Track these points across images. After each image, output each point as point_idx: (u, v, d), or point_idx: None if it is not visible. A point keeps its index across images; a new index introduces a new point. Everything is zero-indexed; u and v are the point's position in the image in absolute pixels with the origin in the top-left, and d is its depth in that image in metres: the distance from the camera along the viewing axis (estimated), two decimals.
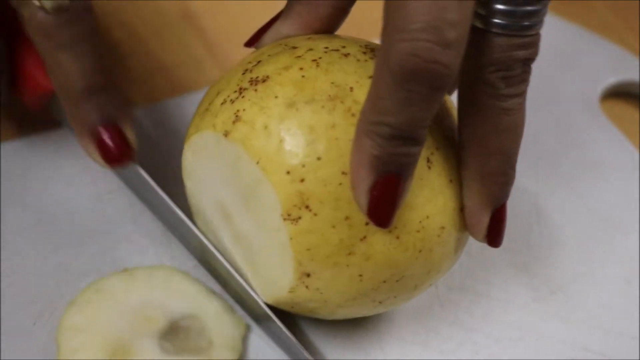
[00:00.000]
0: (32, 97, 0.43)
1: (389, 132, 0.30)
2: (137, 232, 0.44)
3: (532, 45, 0.32)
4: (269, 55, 0.35)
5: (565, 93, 0.54)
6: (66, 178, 0.46)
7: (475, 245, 0.44)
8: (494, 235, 0.36)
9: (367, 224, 0.33)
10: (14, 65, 0.42)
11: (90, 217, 0.44)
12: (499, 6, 0.31)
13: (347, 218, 0.33)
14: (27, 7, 0.36)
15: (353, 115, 0.33)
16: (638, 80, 0.55)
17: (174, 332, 0.39)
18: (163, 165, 0.45)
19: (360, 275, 0.34)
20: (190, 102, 0.49)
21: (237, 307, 0.40)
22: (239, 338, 0.39)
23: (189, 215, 0.41)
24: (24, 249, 0.43)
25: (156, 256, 0.43)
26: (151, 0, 0.57)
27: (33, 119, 0.48)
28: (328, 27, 0.37)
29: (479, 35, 0.32)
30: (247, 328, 0.40)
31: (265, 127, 0.33)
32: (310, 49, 0.35)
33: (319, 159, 0.33)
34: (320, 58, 0.34)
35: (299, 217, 0.33)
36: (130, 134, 0.40)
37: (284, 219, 0.33)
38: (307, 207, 0.33)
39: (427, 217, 0.34)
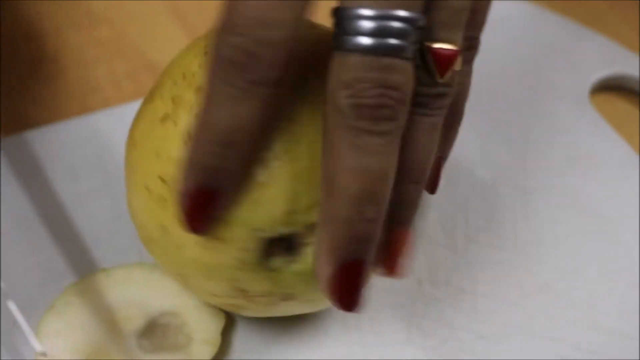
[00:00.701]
0: None
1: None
2: (118, 231, 0.44)
3: (394, 70, 0.28)
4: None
5: (555, 87, 0.53)
6: (47, 178, 0.46)
7: (460, 242, 0.44)
8: (338, 296, 0.30)
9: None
10: None
11: (71, 216, 0.44)
12: (359, 22, 0.27)
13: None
14: None
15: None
16: (629, 73, 0.54)
17: (152, 330, 0.38)
18: None
19: None
20: None
21: None
22: (218, 332, 0.39)
23: None
24: (3, 250, 0.42)
25: (138, 255, 0.43)
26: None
27: (13, 119, 0.48)
28: None
29: (336, 55, 0.28)
30: (228, 321, 0.40)
31: None
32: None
33: None
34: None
35: None
36: None
37: None
38: None
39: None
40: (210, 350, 0.38)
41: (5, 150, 0.47)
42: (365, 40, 0.27)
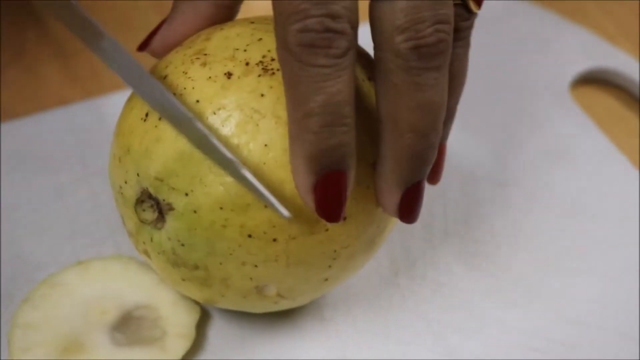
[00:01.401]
0: None
1: (315, 122, 0.30)
2: (96, 223, 0.44)
3: (443, 5, 0.30)
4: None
5: (535, 80, 0.53)
6: (27, 168, 0.46)
7: (438, 235, 0.44)
8: (406, 213, 0.33)
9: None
10: None
11: (50, 207, 0.44)
12: None
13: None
14: None
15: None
16: (610, 67, 0.54)
17: (127, 324, 0.38)
18: None
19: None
20: None
21: None
22: (193, 325, 0.39)
23: None
24: None
25: (115, 247, 0.43)
26: None
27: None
28: (214, 24, 0.37)
29: (379, 5, 0.30)
30: (203, 314, 0.40)
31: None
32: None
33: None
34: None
35: None
36: None
37: None
38: None
39: None
40: (184, 344, 0.38)
41: None
42: None
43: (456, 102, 0.35)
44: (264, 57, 0.34)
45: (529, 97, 0.52)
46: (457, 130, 0.49)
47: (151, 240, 0.35)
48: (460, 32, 0.33)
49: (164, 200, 0.34)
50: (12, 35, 0.54)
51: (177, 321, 0.39)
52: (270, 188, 0.32)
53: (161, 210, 0.34)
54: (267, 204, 0.32)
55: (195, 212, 0.33)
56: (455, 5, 0.32)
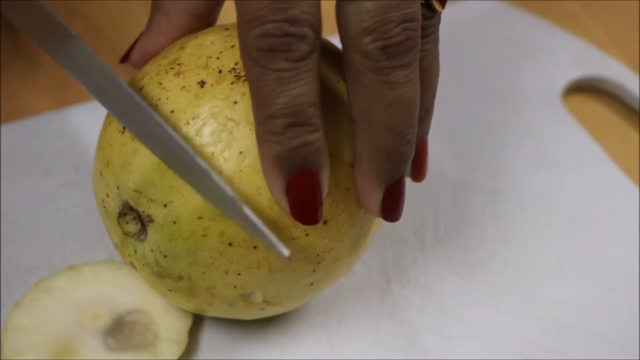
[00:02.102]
0: None
1: (279, 124, 0.30)
2: (88, 226, 0.44)
3: (409, 5, 0.30)
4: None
5: (527, 87, 0.53)
6: (18, 171, 0.46)
7: (429, 242, 0.44)
8: (389, 212, 0.34)
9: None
10: None
11: (42, 211, 0.44)
12: None
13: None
14: None
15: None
16: (601, 75, 0.54)
17: (119, 329, 0.38)
18: None
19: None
20: None
21: None
22: (185, 331, 0.39)
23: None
24: None
25: (106, 251, 0.43)
26: None
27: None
28: (189, 33, 0.37)
29: (345, 5, 0.30)
30: (195, 319, 0.40)
31: None
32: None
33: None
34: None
35: None
36: None
37: None
38: None
39: None
40: (177, 349, 0.38)
41: None
42: None
43: (432, 97, 0.35)
44: (236, 64, 0.34)
45: (521, 104, 0.52)
46: (448, 137, 0.49)
47: (135, 252, 0.35)
48: (427, 29, 0.33)
49: (144, 212, 0.34)
50: (8, 37, 0.54)
51: (170, 326, 0.39)
52: (247, 196, 0.32)
53: (143, 223, 0.34)
54: (267, 244, 0.32)
55: (174, 222, 0.33)
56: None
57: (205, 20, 0.37)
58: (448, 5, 0.55)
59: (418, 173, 0.38)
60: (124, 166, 0.34)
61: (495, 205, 0.47)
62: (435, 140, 0.47)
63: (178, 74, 0.34)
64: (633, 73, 0.54)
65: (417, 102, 0.32)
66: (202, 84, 0.33)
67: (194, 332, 0.39)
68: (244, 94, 0.33)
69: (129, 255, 0.36)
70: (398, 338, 0.40)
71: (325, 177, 0.32)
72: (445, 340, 0.41)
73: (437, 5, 0.33)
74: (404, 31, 0.30)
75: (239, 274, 0.34)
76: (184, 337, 0.39)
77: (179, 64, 0.34)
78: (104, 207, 0.36)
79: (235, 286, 0.34)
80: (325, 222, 0.34)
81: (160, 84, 0.34)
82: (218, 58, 0.34)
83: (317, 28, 0.30)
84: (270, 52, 0.29)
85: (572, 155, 0.49)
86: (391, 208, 0.34)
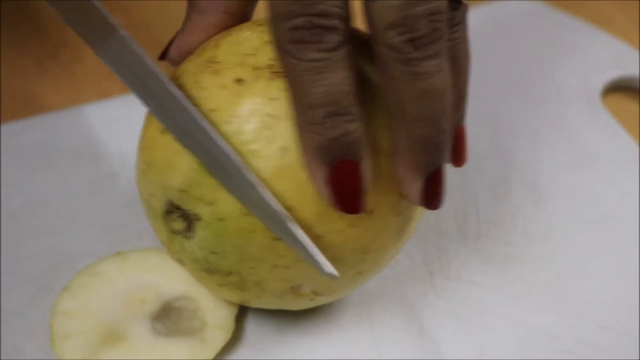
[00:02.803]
0: None
1: (319, 114, 0.30)
2: (133, 215, 0.44)
3: None
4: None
5: (565, 86, 0.54)
6: (65, 160, 0.46)
7: (471, 236, 0.45)
8: (430, 200, 0.34)
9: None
10: None
11: (86, 200, 0.45)
12: None
13: None
14: None
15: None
16: (639, 75, 0.55)
17: (167, 314, 0.39)
18: None
19: None
20: None
21: None
22: (232, 318, 0.39)
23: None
24: (19, 231, 0.43)
25: (152, 240, 0.43)
26: None
27: (32, 101, 0.48)
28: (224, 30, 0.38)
29: (374, 1, 0.30)
30: (240, 307, 0.40)
31: None
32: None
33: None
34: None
35: None
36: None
37: None
38: None
39: None
40: (224, 335, 0.38)
41: (23, 133, 0.47)
42: None
43: (465, 83, 0.35)
44: (272, 60, 0.34)
45: (560, 103, 0.53)
46: (488, 134, 0.50)
47: (183, 249, 0.36)
48: (455, 19, 0.33)
49: (189, 210, 0.34)
50: (52, 29, 0.54)
51: (217, 313, 0.39)
52: (290, 191, 0.33)
53: (189, 220, 0.35)
54: (312, 263, 0.32)
55: (221, 220, 0.33)
56: None
57: (240, 18, 0.38)
58: (487, 6, 0.55)
59: (458, 158, 0.37)
60: (167, 166, 0.34)
61: (535, 202, 0.47)
62: (475, 137, 0.48)
63: (215, 72, 0.34)
64: None
65: (449, 91, 0.32)
66: (240, 81, 0.33)
67: (239, 319, 0.40)
68: (283, 90, 0.33)
69: (177, 252, 0.36)
70: (441, 329, 0.41)
71: (367, 166, 0.32)
72: (486, 332, 0.41)
73: None
74: (429, 23, 0.30)
75: (288, 267, 0.34)
76: (231, 324, 0.39)
77: (216, 62, 0.34)
78: (149, 205, 0.36)
79: (284, 279, 0.35)
80: (370, 213, 0.34)
81: (198, 82, 0.34)
82: (254, 55, 0.34)
83: (346, 20, 0.30)
84: (301, 44, 0.30)
85: (611, 154, 0.50)
86: (432, 197, 0.34)
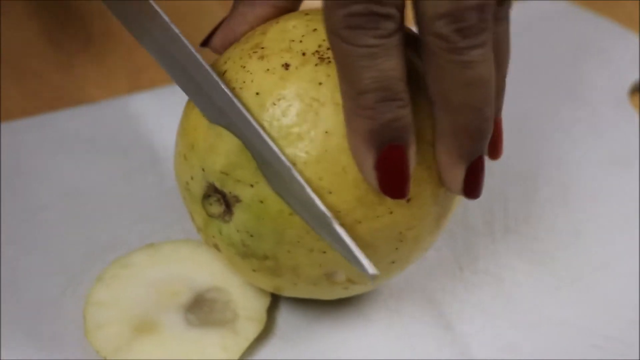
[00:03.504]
0: None
1: (371, 98, 0.31)
2: (165, 207, 0.45)
3: None
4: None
5: (593, 86, 0.54)
6: (97, 152, 0.47)
7: (499, 232, 0.45)
8: (471, 189, 0.35)
9: None
10: None
11: (119, 191, 0.45)
12: None
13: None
14: None
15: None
16: None
17: (199, 305, 0.39)
18: None
19: None
20: None
21: None
22: (264, 309, 0.39)
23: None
24: (53, 221, 0.44)
25: (183, 232, 0.43)
26: None
27: (66, 93, 0.49)
28: None
29: None
30: (272, 299, 0.40)
31: None
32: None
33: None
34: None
35: None
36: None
37: None
38: None
39: None
40: (256, 327, 0.39)
41: (53, 125, 0.48)
42: None
43: (503, 76, 0.36)
44: (319, 46, 0.34)
45: (587, 102, 0.53)
46: (517, 132, 0.50)
47: (220, 233, 0.36)
48: (500, 13, 0.34)
49: (230, 192, 0.35)
50: (81, 23, 0.55)
51: (249, 305, 0.39)
52: (333, 175, 0.33)
53: (228, 203, 0.35)
54: (354, 263, 0.33)
55: (262, 202, 0.34)
56: None
57: (288, 11, 0.38)
58: (515, 5, 0.56)
59: (494, 151, 0.38)
60: (209, 149, 0.35)
61: (563, 199, 0.47)
62: (504, 134, 0.48)
63: (262, 57, 0.35)
64: None
65: (493, 80, 0.32)
66: (286, 66, 0.34)
67: (271, 311, 0.40)
68: (329, 76, 0.34)
69: (213, 236, 0.37)
70: (469, 324, 0.41)
71: (413, 152, 0.33)
72: (514, 327, 0.41)
73: None
74: (478, 14, 0.30)
75: (324, 252, 0.35)
76: (262, 316, 0.39)
77: (262, 48, 0.35)
78: (188, 190, 0.37)
79: (320, 265, 0.35)
80: (408, 200, 0.34)
81: (244, 67, 0.35)
82: (301, 41, 0.35)
83: (401, 8, 0.31)
84: (357, 30, 0.30)
85: (638, 153, 0.50)
86: (473, 185, 0.34)
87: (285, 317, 0.40)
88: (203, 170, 0.35)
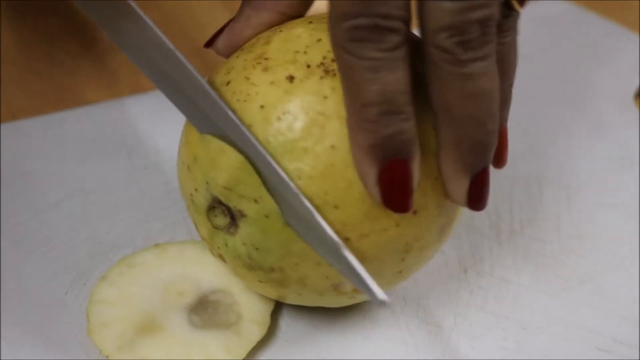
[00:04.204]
0: None
1: (374, 112, 0.31)
2: (170, 207, 0.44)
3: (488, 6, 0.30)
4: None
5: (599, 88, 0.54)
6: (101, 152, 0.47)
7: (505, 234, 0.45)
8: (475, 201, 0.34)
9: None
10: None
11: (124, 191, 0.45)
12: None
13: None
14: None
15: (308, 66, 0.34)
16: None
17: (203, 307, 0.39)
18: None
19: None
20: None
21: None
22: (268, 312, 0.39)
23: None
24: (57, 221, 0.43)
25: (187, 232, 0.43)
26: None
27: (69, 94, 0.49)
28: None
29: (429, 2, 0.31)
30: (276, 302, 0.40)
31: None
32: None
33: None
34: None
35: None
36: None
37: None
38: None
39: None
40: (259, 330, 0.39)
41: (59, 126, 0.48)
42: None
43: (509, 86, 0.36)
44: (324, 58, 0.34)
45: (593, 104, 0.53)
46: (522, 134, 0.50)
47: (226, 245, 0.36)
48: (505, 24, 0.34)
49: (235, 207, 0.34)
50: (83, 27, 0.55)
51: (253, 307, 0.39)
52: (339, 190, 0.33)
53: (233, 217, 0.35)
54: (364, 290, 0.32)
55: (267, 217, 0.34)
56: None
57: (294, 18, 0.38)
58: None
59: (499, 160, 0.38)
60: (212, 164, 0.34)
61: (569, 201, 0.47)
62: (509, 137, 0.48)
63: (266, 69, 0.34)
64: None
65: (497, 93, 0.32)
66: (291, 78, 0.34)
67: (275, 314, 0.40)
68: (334, 89, 0.33)
69: (219, 247, 0.36)
70: (476, 326, 0.41)
71: (416, 165, 0.32)
72: (521, 329, 0.41)
73: (516, 6, 0.33)
74: (481, 28, 0.30)
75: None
76: (266, 319, 0.39)
77: (266, 59, 0.35)
78: (192, 201, 0.36)
79: (327, 277, 0.35)
80: (415, 212, 0.34)
81: (248, 79, 0.34)
82: (305, 52, 0.34)
83: (407, 22, 0.30)
84: (362, 42, 0.30)
85: None
86: (477, 197, 0.34)
87: (289, 320, 0.40)
88: (207, 183, 0.35)
